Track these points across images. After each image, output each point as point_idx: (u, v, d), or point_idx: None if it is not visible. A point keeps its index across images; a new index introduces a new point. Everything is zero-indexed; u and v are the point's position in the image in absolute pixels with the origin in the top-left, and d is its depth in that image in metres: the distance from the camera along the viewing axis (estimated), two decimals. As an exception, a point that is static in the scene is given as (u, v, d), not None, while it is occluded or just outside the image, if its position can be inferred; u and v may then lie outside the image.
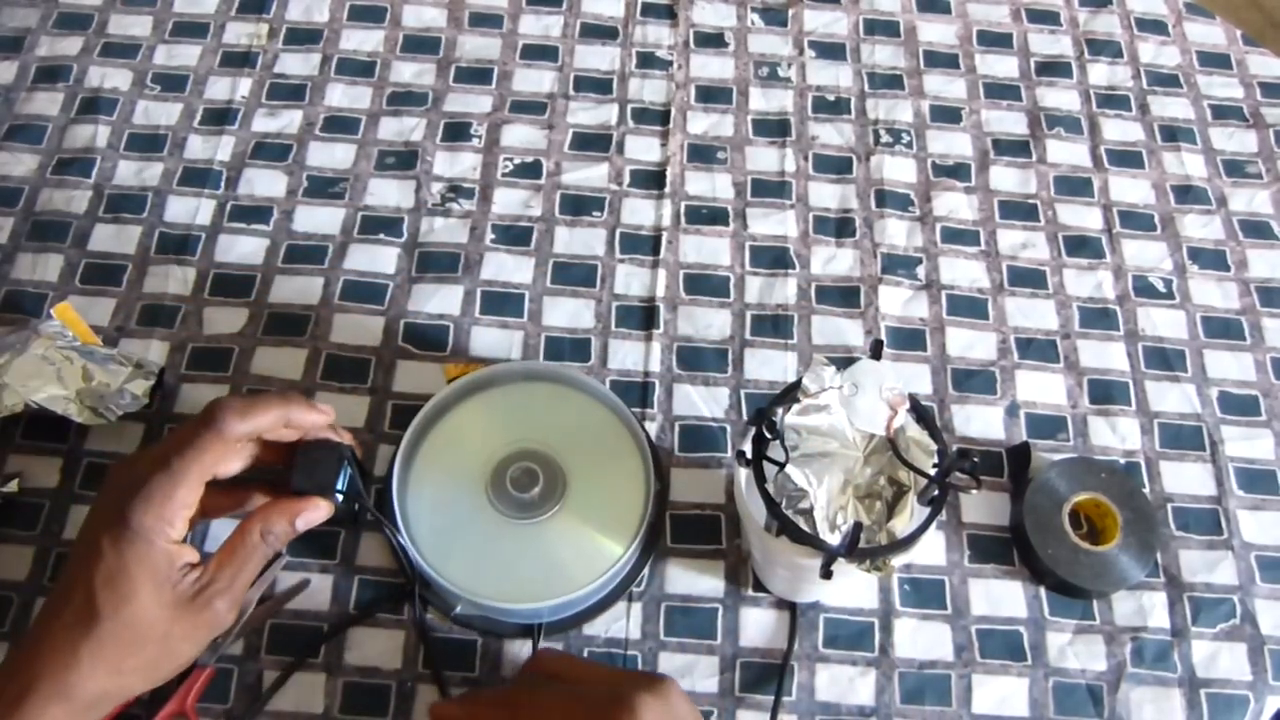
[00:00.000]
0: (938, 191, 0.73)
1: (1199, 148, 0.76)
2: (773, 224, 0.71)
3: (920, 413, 0.50)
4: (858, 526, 0.47)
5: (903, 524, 0.48)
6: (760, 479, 0.49)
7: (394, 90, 0.76)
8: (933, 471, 0.48)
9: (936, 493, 0.48)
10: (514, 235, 0.70)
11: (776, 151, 0.75)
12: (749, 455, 0.49)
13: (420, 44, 0.79)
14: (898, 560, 0.48)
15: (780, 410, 0.49)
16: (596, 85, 0.77)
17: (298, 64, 0.77)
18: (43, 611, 0.48)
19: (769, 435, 0.49)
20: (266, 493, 0.54)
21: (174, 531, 0.47)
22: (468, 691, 0.56)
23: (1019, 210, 0.73)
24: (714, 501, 0.62)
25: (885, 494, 0.49)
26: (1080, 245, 0.71)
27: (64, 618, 0.46)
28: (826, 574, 0.48)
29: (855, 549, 0.47)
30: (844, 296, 0.69)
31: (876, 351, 0.50)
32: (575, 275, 0.69)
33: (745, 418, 0.64)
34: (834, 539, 0.47)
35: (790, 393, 0.50)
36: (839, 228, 0.72)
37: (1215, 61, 0.80)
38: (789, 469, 0.48)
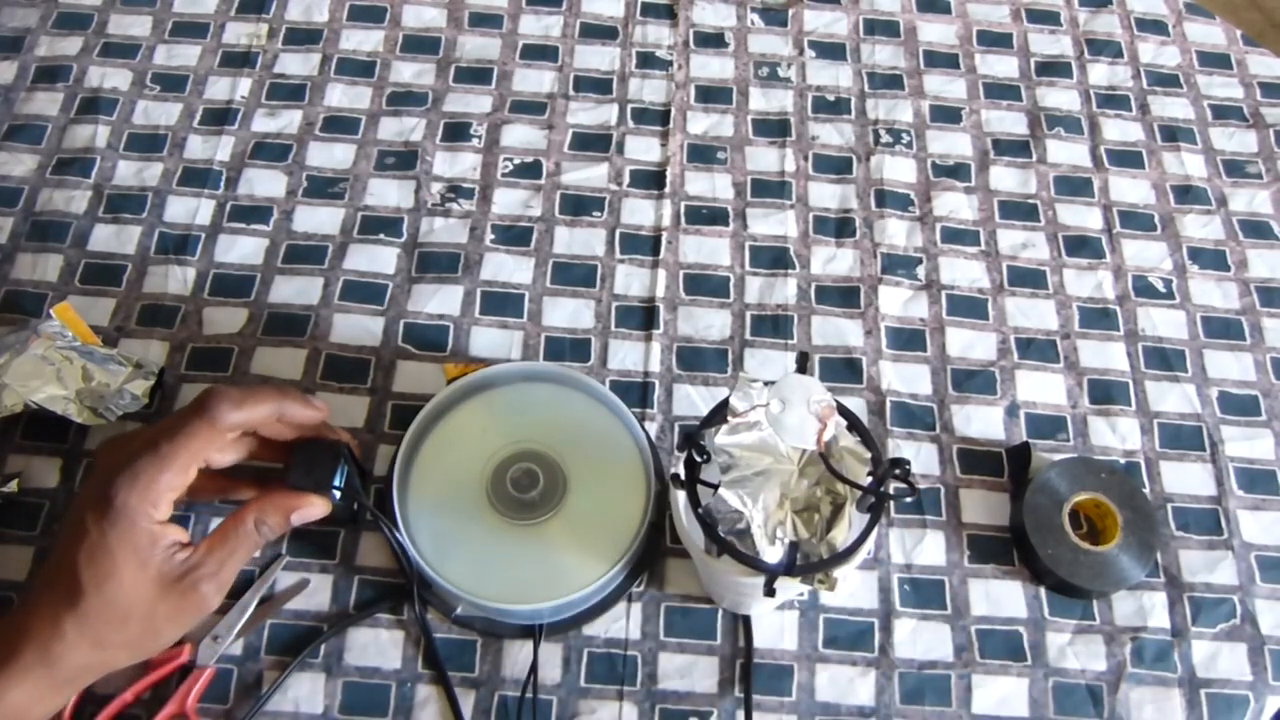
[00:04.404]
0: (938, 191, 0.73)
1: (1199, 148, 0.76)
2: (773, 224, 0.71)
3: (853, 422, 0.49)
4: (794, 546, 0.47)
5: (842, 535, 0.48)
6: (695, 503, 0.48)
7: (394, 90, 0.76)
8: (868, 481, 0.47)
9: (874, 502, 0.47)
10: (514, 235, 0.70)
11: (776, 151, 0.75)
12: (683, 479, 0.48)
13: (420, 44, 0.79)
14: (839, 572, 0.47)
15: (710, 432, 0.49)
16: (596, 85, 0.77)
17: (297, 64, 0.77)
18: (32, 585, 0.49)
19: (699, 458, 0.48)
20: (254, 487, 0.55)
21: (158, 513, 0.48)
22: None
23: (1019, 210, 0.73)
24: (714, 501, 0.62)
25: (823, 507, 0.49)
26: (1080, 245, 0.71)
27: (52, 591, 0.47)
28: (770, 591, 0.47)
29: (794, 568, 0.47)
30: (844, 296, 0.69)
31: (802, 364, 0.49)
32: (575, 275, 0.69)
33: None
34: (775, 552, 0.47)
35: (719, 413, 0.49)
36: (839, 228, 0.72)
37: (1215, 61, 0.80)
38: (722, 492, 0.47)
